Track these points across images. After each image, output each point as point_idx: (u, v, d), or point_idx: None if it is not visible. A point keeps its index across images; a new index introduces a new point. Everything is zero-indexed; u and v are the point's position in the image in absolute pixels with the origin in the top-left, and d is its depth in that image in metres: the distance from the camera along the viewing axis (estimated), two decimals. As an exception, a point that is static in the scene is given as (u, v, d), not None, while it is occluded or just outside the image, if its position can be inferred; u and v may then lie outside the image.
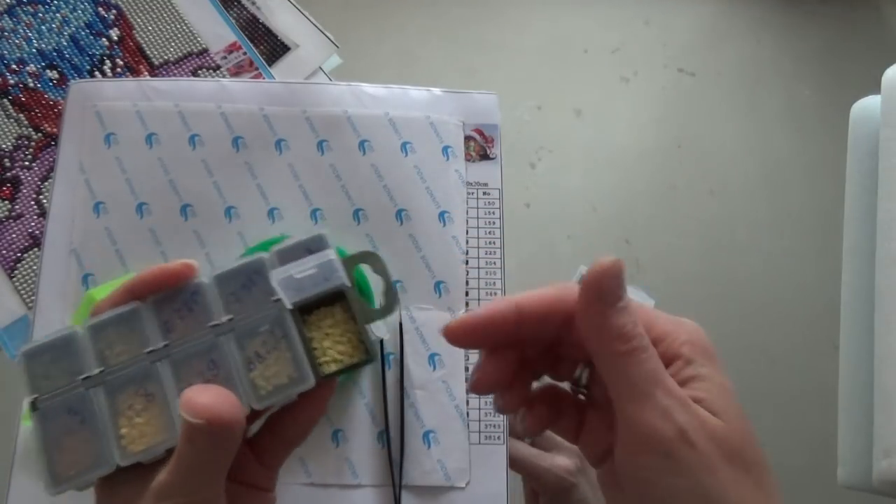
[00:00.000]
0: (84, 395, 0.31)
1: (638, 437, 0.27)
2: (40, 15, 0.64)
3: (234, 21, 0.65)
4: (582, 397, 0.32)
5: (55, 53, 0.63)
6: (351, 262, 0.33)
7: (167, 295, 0.32)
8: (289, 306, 0.32)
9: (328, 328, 0.32)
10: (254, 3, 0.66)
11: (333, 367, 0.31)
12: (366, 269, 0.34)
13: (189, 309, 0.32)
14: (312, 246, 0.33)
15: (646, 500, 0.27)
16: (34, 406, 0.31)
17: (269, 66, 0.63)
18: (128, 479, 0.30)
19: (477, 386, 0.30)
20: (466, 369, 0.52)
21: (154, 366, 0.31)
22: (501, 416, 0.51)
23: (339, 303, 0.32)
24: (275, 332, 0.31)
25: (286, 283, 0.32)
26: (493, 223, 0.56)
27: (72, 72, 0.62)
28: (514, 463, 0.54)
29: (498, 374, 0.30)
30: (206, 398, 0.28)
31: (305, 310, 0.32)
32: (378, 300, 0.34)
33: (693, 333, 0.29)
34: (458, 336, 0.30)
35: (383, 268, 0.34)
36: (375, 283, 0.46)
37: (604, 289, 0.27)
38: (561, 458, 0.55)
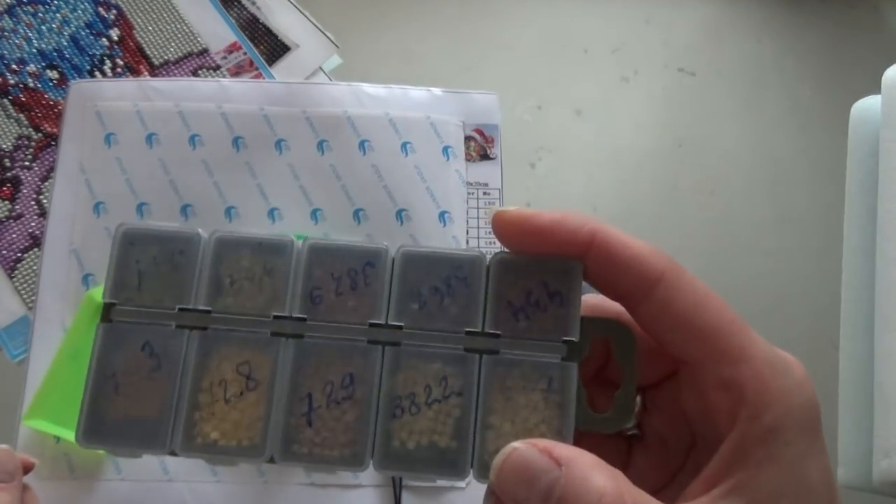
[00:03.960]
0: (174, 336, 0.22)
1: None
2: (40, 15, 0.64)
3: (234, 21, 0.64)
4: (634, 432, 0.25)
5: (55, 53, 0.63)
6: (589, 326, 0.23)
7: (337, 250, 0.23)
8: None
9: (521, 407, 0.22)
10: (254, 3, 0.66)
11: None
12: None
13: (353, 285, 0.23)
14: (551, 280, 0.23)
15: None
16: (106, 315, 0.23)
17: (269, 66, 0.63)
18: None
19: None
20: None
21: (275, 340, 0.22)
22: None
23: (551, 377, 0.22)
24: (448, 377, 0.22)
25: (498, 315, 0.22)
26: (493, 223, 0.56)
27: (72, 72, 0.62)
28: None
29: None
30: None
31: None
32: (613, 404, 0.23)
33: (796, 392, 0.21)
34: (506, 231, 0.23)
35: (633, 357, 0.23)
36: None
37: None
38: None
